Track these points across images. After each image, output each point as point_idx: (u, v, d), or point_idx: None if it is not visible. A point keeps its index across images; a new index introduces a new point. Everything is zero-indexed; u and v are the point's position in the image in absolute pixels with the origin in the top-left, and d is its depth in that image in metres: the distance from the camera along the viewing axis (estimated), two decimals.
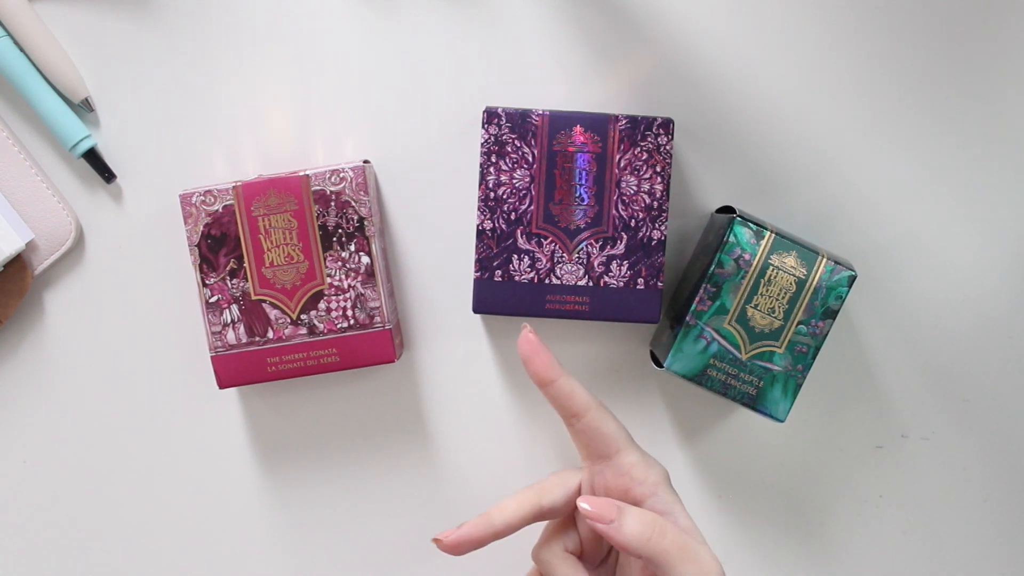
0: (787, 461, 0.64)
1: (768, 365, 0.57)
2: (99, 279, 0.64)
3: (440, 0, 0.62)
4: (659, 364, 0.59)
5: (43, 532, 0.65)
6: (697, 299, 0.57)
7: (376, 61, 0.63)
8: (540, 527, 0.62)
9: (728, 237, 0.57)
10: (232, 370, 0.60)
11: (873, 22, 0.62)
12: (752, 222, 0.57)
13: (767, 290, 0.57)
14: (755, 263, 0.57)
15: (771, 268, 0.57)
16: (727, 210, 0.60)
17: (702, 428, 0.64)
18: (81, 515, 0.65)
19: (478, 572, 0.65)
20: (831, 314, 0.57)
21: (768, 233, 0.57)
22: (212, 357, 0.59)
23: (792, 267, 0.57)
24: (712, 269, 0.57)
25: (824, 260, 0.57)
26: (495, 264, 0.59)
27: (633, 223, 0.59)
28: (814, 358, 0.57)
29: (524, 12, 0.63)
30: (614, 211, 0.59)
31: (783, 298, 0.57)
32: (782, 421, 0.58)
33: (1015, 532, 0.65)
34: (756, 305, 0.57)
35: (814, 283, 0.57)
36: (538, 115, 0.59)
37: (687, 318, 0.57)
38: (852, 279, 0.57)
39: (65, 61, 0.62)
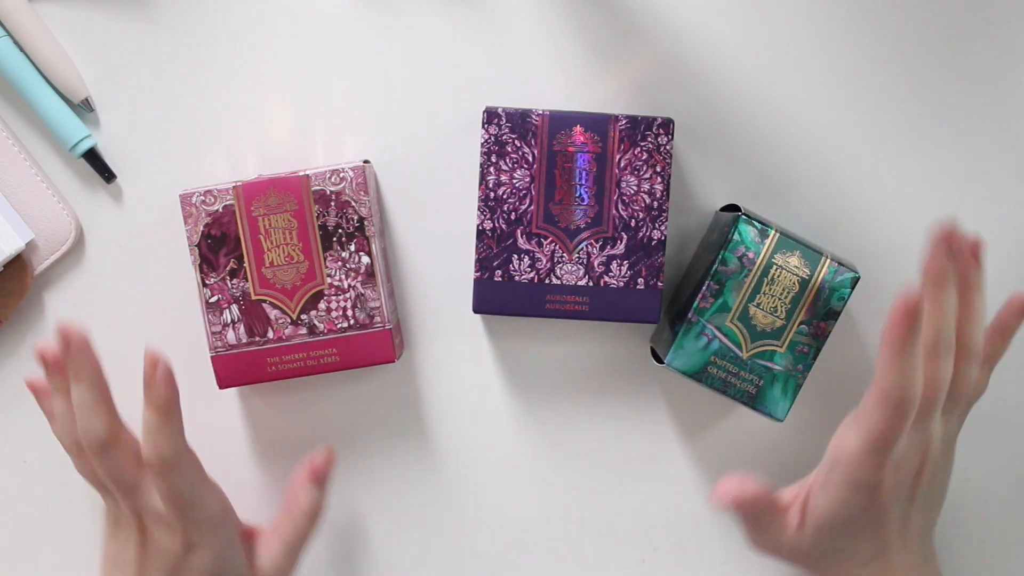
0: (787, 461, 0.64)
1: (768, 364, 0.57)
2: (99, 279, 0.63)
3: (440, 0, 0.62)
4: (659, 360, 0.59)
5: (43, 532, 0.65)
6: (700, 296, 0.57)
7: (376, 61, 0.63)
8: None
9: (733, 235, 0.57)
10: (232, 370, 0.60)
11: (875, 22, 0.63)
12: (757, 220, 0.57)
13: (770, 289, 0.57)
14: (759, 262, 0.57)
15: (775, 267, 0.57)
16: (731, 208, 0.60)
17: (702, 427, 0.64)
18: (81, 515, 0.65)
19: (478, 572, 0.65)
20: (833, 315, 0.57)
21: (772, 232, 0.57)
22: (212, 357, 0.59)
23: (796, 267, 0.57)
24: (716, 266, 0.57)
25: (828, 261, 0.57)
26: (495, 264, 0.59)
27: (633, 223, 0.59)
28: (815, 358, 0.57)
29: (524, 12, 0.63)
30: (614, 211, 0.59)
31: (786, 297, 0.57)
32: (781, 420, 0.58)
33: (1015, 533, 0.65)
34: (759, 304, 0.57)
35: (817, 283, 0.57)
36: (538, 115, 0.59)
37: (689, 315, 0.57)
38: (855, 280, 0.57)
39: (65, 61, 0.62)
